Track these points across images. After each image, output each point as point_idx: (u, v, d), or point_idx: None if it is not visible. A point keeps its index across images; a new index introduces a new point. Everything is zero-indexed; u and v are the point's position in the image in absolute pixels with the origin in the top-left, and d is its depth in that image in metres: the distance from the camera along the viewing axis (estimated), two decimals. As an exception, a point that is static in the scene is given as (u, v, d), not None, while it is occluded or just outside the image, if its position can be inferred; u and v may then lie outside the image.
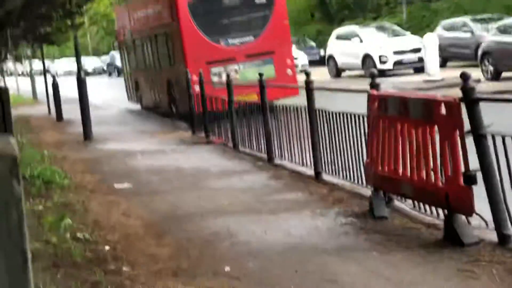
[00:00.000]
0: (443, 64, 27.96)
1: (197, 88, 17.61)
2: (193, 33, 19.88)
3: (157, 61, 23.36)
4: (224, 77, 16.51)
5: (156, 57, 23.33)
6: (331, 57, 34.33)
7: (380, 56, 30.93)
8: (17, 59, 32.28)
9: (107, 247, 7.93)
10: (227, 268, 6.96)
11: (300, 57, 39.69)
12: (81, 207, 9.97)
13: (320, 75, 33.90)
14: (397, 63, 30.78)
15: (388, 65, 30.76)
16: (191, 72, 18.39)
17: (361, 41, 32.17)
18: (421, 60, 27.95)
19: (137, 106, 27.60)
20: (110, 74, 63.15)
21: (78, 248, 7.68)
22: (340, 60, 33.46)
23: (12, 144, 0.72)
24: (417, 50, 29.86)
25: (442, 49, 27.95)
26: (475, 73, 23.29)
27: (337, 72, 33.90)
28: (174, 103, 21.88)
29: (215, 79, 19.39)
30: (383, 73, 29.20)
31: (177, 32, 20.34)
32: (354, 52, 32.27)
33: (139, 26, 24.53)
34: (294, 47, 43.27)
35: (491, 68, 24.03)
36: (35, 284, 5.93)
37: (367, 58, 31.45)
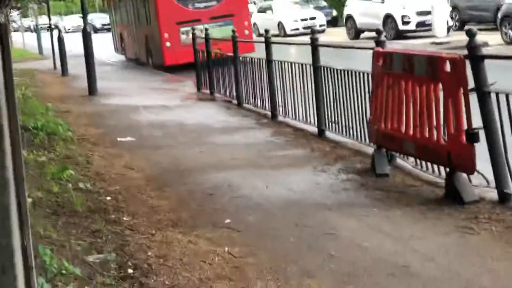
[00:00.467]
0: (461, 27, 26.84)
1: (168, 43, 23.37)
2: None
3: (137, 19, 26.88)
4: (190, 36, 19.02)
5: (137, 16, 26.82)
6: (350, 17, 32.32)
7: (402, 16, 29.22)
8: (23, 14, 32.47)
9: (108, 198, 7.96)
10: (227, 221, 6.98)
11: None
12: (83, 159, 9.99)
13: (338, 35, 33.47)
14: (420, 24, 28.99)
15: (411, 26, 29.18)
16: (164, 31, 23.32)
17: (382, 0, 30.55)
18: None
19: (141, 63, 27.61)
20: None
21: (80, 198, 7.70)
22: (359, 21, 31.51)
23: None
24: None
25: (460, 11, 27.40)
26: (495, 37, 23.10)
27: (356, 33, 31.87)
28: (150, 55, 25.51)
29: (183, 37, 23.16)
30: (405, 35, 28.45)
31: None
32: (374, 12, 30.42)
33: None
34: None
35: (511, 32, 23.19)
36: (36, 230, 5.97)
37: (388, 19, 29.69)
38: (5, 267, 0.65)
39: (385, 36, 9.14)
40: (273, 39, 13.05)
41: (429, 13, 28.11)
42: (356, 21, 31.94)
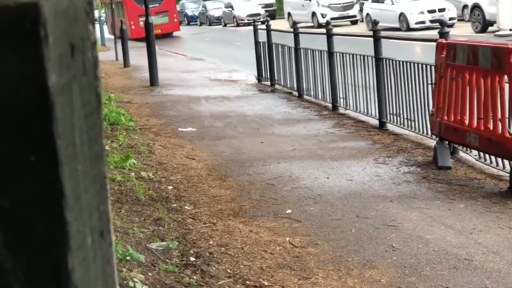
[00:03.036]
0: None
1: (133, 26, 40.19)
2: (131, 2, 41.28)
3: (117, 12, 38.75)
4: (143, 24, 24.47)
5: (117, 9, 38.70)
6: (476, 6, 27.09)
7: None
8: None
9: (170, 187, 8.04)
10: (288, 211, 7.00)
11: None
12: (145, 149, 10.10)
13: (465, 29, 31.55)
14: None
15: None
16: (130, 20, 40.68)
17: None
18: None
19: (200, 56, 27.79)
20: (179, 23, 63.39)
21: (142, 186, 7.80)
22: (488, 11, 26.05)
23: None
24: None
25: None
26: None
27: (484, 26, 26.55)
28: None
29: (141, 23, 35.19)
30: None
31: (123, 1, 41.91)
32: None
33: None
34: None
35: None
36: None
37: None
38: (104, 232, 0.68)
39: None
40: (385, 33, 11.62)
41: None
42: (485, 12, 26.33)
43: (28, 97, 0.62)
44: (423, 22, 30.83)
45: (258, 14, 46.76)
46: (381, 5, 33.30)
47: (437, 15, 30.33)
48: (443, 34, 8.62)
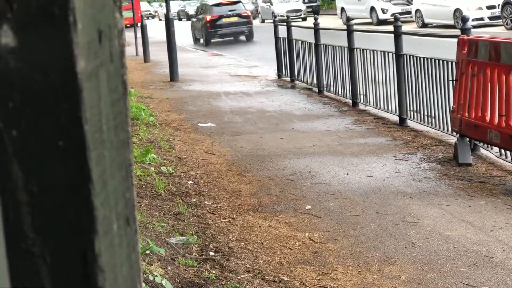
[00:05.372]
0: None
1: None
2: None
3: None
4: None
5: None
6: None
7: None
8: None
9: (189, 182, 8.06)
10: (308, 207, 7.00)
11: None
12: (165, 144, 10.13)
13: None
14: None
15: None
16: None
17: None
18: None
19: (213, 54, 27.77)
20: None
21: (162, 181, 7.82)
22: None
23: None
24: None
25: None
26: None
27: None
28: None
29: None
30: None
31: None
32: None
33: None
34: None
35: None
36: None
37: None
38: (129, 219, 0.68)
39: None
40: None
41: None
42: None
43: (57, 82, 0.63)
44: (481, 19, 27.63)
45: (299, 10, 45.03)
46: (434, 0, 29.90)
47: (496, 11, 27.50)
48: (464, 30, 8.58)
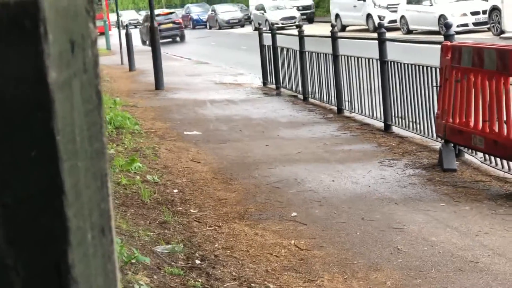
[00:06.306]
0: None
1: None
2: None
3: None
4: None
5: None
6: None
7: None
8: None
9: (175, 190, 8.04)
10: (293, 214, 7.00)
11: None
12: (151, 152, 10.11)
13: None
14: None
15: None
16: None
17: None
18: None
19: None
20: (185, 27, 63.26)
21: (148, 190, 7.80)
22: None
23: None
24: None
25: None
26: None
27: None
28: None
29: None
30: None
31: None
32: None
33: None
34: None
35: None
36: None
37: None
38: (105, 229, 0.68)
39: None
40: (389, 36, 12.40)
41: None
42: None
43: (29, 93, 0.63)
44: (465, 25, 28.26)
45: (293, 17, 44.72)
46: (419, 6, 30.64)
47: (481, 17, 28.17)
48: (448, 37, 8.62)
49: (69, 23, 0.66)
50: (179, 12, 68.82)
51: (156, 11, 42.01)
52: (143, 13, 56.77)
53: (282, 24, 42.47)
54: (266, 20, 40.67)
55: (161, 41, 38.18)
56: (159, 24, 42.23)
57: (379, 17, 33.44)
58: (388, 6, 34.38)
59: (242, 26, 53.02)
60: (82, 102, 0.68)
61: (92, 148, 0.69)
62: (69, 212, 0.63)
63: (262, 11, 47.04)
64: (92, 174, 0.68)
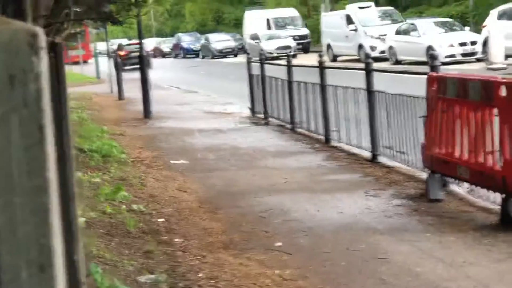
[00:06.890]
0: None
1: None
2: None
3: None
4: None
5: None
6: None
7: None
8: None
9: (161, 220, 8.02)
10: (278, 243, 6.98)
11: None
12: (137, 181, 10.09)
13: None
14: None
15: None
16: None
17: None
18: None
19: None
20: (175, 56, 63.34)
21: (133, 219, 7.78)
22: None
23: (32, 27, 0.73)
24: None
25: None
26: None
27: None
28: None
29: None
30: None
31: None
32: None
33: None
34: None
35: None
36: (89, 250, 6.04)
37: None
38: (44, 265, 0.67)
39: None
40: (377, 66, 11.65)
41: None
42: None
43: (-40, 129, 0.62)
44: (453, 56, 28.42)
45: (288, 47, 44.06)
46: (407, 37, 31.09)
47: (469, 48, 28.74)
48: (434, 67, 8.66)
49: (8, 58, 0.66)
50: (170, 41, 69.11)
51: (130, 42, 46.04)
52: (117, 41, 57.27)
53: (278, 53, 41.79)
54: (261, 49, 39.72)
55: (130, 67, 40.10)
56: (130, 52, 44.16)
57: (371, 48, 33.60)
58: (380, 36, 34.41)
59: (235, 55, 52.80)
60: (21, 136, 0.67)
61: (31, 184, 0.68)
62: (2, 248, 0.63)
63: (257, 41, 46.53)
64: (30, 210, 0.68)
